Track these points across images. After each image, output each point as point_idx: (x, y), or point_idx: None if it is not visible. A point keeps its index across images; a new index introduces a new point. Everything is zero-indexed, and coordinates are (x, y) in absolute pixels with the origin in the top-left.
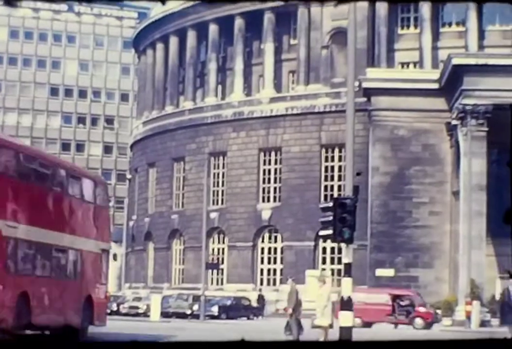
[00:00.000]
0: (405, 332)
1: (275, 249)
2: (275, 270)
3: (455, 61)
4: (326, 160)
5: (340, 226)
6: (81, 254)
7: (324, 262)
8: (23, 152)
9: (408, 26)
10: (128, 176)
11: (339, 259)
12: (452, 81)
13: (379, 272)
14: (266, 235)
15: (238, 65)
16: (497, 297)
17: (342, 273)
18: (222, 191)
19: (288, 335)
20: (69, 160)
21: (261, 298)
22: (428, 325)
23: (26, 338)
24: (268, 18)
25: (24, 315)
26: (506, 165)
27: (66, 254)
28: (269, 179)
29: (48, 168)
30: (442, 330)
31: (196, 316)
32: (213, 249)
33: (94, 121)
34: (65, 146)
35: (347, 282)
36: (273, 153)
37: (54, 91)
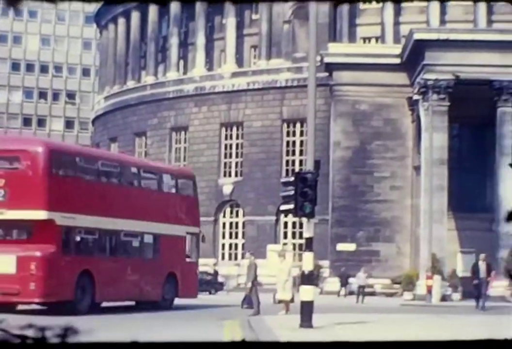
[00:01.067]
0: None
1: (237, 223)
2: (236, 245)
3: (417, 36)
4: (288, 135)
5: (301, 201)
6: (159, 237)
7: (285, 236)
8: (91, 156)
9: (370, 1)
10: None
11: (301, 234)
12: (414, 56)
13: (341, 246)
14: (228, 210)
15: (200, 40)
16: (459, 271)
17: (304, 248)
18: (184, 165)
19: (246, 308)
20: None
21: (215, 273)
22: None
23: (26, 338)
24: None
25: (87, 290)
26: (509, 166)
27: (138, 238)
28: (230, 154)
29: (116, 167)
30: (403, 304)
31: None
32: None
33: (55, 96)
34: (27, 121)
35: (308, 256)
36: (234, 128)
37: (15, 66)
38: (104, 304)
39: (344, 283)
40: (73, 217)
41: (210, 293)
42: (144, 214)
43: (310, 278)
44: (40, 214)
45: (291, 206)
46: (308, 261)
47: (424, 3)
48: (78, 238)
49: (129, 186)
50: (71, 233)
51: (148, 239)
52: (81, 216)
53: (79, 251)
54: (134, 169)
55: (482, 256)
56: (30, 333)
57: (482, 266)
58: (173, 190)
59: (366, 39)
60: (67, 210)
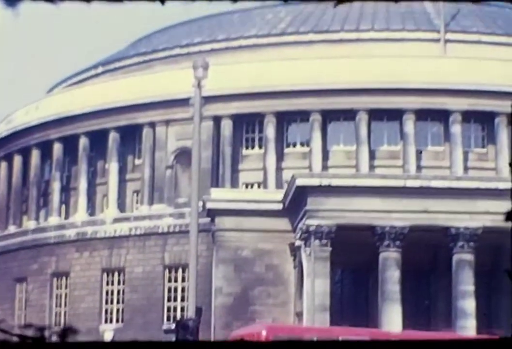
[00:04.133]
0: None
1: None
2: None
3: (299, 181)
4: (169, 281)
5: None
6: None
7: None
8: None
9: (252, 147)
10: None
11: None
12: (296, 201)
13: None
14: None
15: (82, 184)
16: None
17: None
18: (65, 312)
19: None
20: None
21: None
22: None
23: (26, 338)
24: (113, 137)
25: None
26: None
27: None
28: (112, 299)
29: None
30: None
31: None
32: None
33: None
34: None
35: None
36: (116, 274)
37: None
38: None
39: None
40: None
41: None
42: None
43: None
44: None
45: None
46: None
47: (306, 149)
48: None
49: None
50: None
51: None
52: None
53: None
54: None
55: None
56: (30, 333)
57: None
58: None
59: (249, 185)
60: None
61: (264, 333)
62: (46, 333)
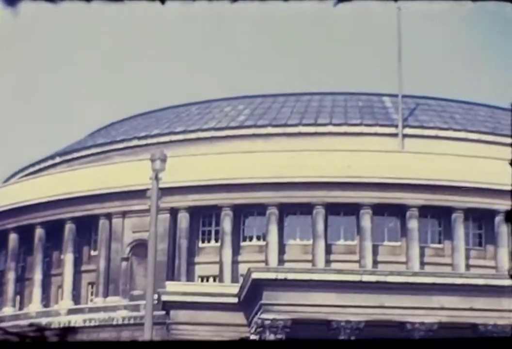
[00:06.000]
0: None
1: None
2: None
3: (255, 275)
4: None
5: None
6: None
7: None
8: None
9: (209, 239)
10: None
11: None
12: (252, 295)
13: None
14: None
15: (37, 275)
16: None
17: None
18: None
19: None
20: None
21: None
22: None
23: (26, 338)
24: (69, 228)
25: None
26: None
27: None
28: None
29: None
30: None
31: None
32: None
33: None
34: None
35: None
36: None
37: None
38: None
39: None
40: None
41: None
42: None
43: None
44: None
45: None
46: None
47: (263, 242)
48: None
49: None
50: None
51: None
52: None
53: None
54: None
55: None
56: (30, 332)
57: None
58: None
59: (204, 278)
60: None
61: None
62: (47, 333)
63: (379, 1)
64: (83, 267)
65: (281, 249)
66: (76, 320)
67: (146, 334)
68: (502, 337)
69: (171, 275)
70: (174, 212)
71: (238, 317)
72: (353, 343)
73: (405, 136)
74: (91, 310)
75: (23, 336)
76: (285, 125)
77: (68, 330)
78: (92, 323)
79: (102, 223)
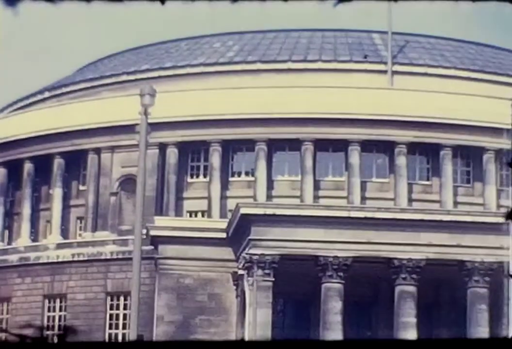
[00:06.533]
0: None
1: None
2: None
3: (243, 210)
4: (111, 308)
5: None
6: None
7: None
8: None
9: (197, 175)
10: None
11: None
12: (240, 230)
13: None
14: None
15: (26, 209)
16: None
17: None
18: (6, 337)
19: None
20: None
21: None
22: None
23: (26, 338)
24: (58, 163)
25: None
26: (507, 165)
27: None
28: (53, 326)
29: None
30: None
31: None
32: None
33: None
34: None
35: None
36: (58, 300)
37: None
38: None
39: None
40: None
41: None
42: None
43: None
44: None
45: None
46: None
47: (251, 178)
48: None
49: None
50: None
51: None
52: None
53: None
54: None
55: None
56: (30, 333)
57: None
58: None
59: (193, 213)
60: None
61: None
62: (47, 333)
63: (379, 1)
64: (72, 202)
65: (270, 185)
66: (65, 254)
67: (135, 269)
68: (502, 338)
69: (160, 210)
70: (163, 147)
71: (226, 252)
72: (353, 343)
73: (394, 73)
74: (80, 244)
75: (23, 336)
76: (275, 61)
77: (68, 330)
78: (81, 258)
79: (91, 158)
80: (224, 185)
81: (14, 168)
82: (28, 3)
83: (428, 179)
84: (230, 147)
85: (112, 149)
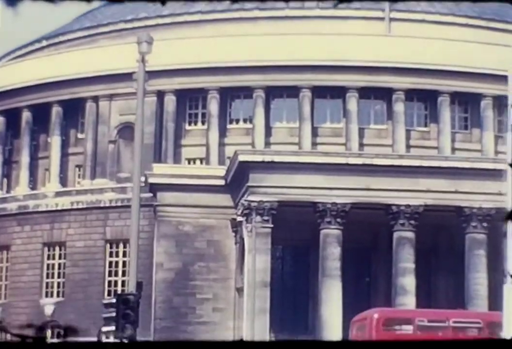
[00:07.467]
0: None
1: None
2: None
3: (242, 157)
4: (111, 255)
5: (122, 322)
6: None
7: None
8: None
9: (195, 122)
10: None
11: None
12: (238, 177)
13: None
14: (49, 331)
15: (24, 158)
16: None
17: None
18: (5, 285)
19: None
20: None
21: None
22: None
23: (26, 338)
24: (56, 111)
25: None
26: (509, 166)
27: None
28: (53, 274)
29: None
30: None
31: None
32: None
33: None
34: None
35: None
36: (57, 248)
37: None
38: None
39: None
40: None
41: None
42: None
43: None
44: None
45: (113, 327)
46: None
47: (249, 125)
48: None
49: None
50: None
51: None
52: None
53: None
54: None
55: None
56: (30, 333)
57: None
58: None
59: (191, 160)
60: None
61: (376, 316)
62: (47, 333)
63: (379, 1)
64: (70, 150)
65: (268, 132)
66: (64, 202)
67: (133, 216)
68: (503, 339)
69: (158, 158)
70: (161, 95)
71: (225, 199)
72: (353, 343)
73: (392, 20)
74: (79, 192)
75: (23, 336)
76: (272, 8)
77: (68, 330)
78: (80, 206)
79: (89, 106)
80: (222, 133)
81: (12, 116)
82: None
83: (426, 126)
84: (228, 95)
85: (110, 97)
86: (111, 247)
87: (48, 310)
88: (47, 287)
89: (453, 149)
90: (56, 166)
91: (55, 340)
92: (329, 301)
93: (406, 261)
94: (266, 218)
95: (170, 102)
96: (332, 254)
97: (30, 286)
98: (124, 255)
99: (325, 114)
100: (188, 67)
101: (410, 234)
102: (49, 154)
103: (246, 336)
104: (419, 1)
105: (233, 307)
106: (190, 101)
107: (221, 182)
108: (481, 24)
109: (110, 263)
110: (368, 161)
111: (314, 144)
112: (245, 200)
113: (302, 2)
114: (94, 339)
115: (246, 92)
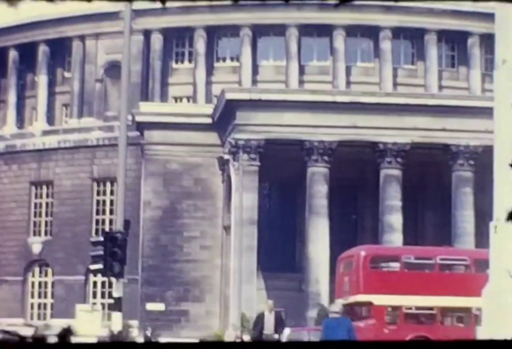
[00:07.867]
0: None
1: (46, 283)
2: (45, 305)
3: (228, 95)
4: (98, 194)
5: (110, 260)
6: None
7: (94, 296)
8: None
9: (182, 61)
10: None
11: (110, 293)
12: (225, 115)
13: (149, 306)
14: (37, 269)
15: (11, 97)
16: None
17: (113, 308)
18: None
19: None
20: None
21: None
22: None
23: (26, 338)
24: (43, 51)
25: None
26: (510, 166)
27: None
28: (40, 212)
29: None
30: None
31: None
32: None
33: None
34: None
35: (117, 316)
36: (44, 187)
37: None
38: None
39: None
40: (388, 298)
41: None
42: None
43: (118, 338)
44: (359, 297)
45: (100, 265)
46: (117, 321)
47: (236, 63)
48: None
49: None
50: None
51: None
52: (394, 297)
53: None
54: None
55: (269, 303)
56: (30, 333)
57: (269, 317)
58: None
59: (178, 99)
60: (383, 292)
61: (363, 253)
62: (47, 333)
63: (379, 1)
64: (57, 89)
65: (255, 70)
66: (51, 141)
67: (120, 155)
68: (503, 340)
69: (145, 96)
70: (147, 33)
71: (212, 137)
72: (353, 344)
73: None
74: (66, 131)
75: (23, 336)
76: None
77: (68, 330)
78: (67, 145)
79: (76, 45)
80: (209, 71)
81: None
82: None
83: (413, 63)
84: (214, 33)
85: (97, 36)
86: (98, 186)
87: (36, 249)
88: (34, 226)
89: (440, 87)
90: (43, 105)
91: (55, 340)
92: (316, 238)
93: (393, 199)
94: (253, 156)
95: (156, 40)
96: (319, 192)
97: (18, 225)
98: (112, 193)
99: (312, 52)
100: (174, 5)
101: (397, 172)
102: (36, 93)
103: (234, 274)
104: (419, 1)
105: (221, 245)
106: (177, 39)
107: (208, 120)
108: None
109: (98, 201)
110: (355, 99)
111: (301, 82)
112: (232, 138)
113: (302, 2)
114: (82, 277)
115: (233, 30)
